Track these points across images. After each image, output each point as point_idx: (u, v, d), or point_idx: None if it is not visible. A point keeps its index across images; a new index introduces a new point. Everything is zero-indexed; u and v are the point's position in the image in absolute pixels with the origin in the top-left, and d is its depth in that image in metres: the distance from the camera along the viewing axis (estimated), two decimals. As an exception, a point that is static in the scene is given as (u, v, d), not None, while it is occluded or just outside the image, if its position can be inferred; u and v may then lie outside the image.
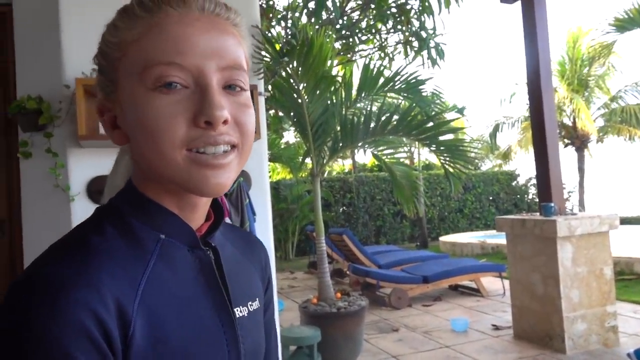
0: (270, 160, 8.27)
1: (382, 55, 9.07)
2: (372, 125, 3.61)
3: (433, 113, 3.71)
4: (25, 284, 0.44)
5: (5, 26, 2.91)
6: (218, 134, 0.50)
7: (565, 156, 13.61)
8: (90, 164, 2.69)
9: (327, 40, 3.49)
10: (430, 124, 3.50)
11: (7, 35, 2.91)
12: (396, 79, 3.78)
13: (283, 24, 7.90)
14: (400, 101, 4.19)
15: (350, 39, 8.32)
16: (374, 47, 9.03)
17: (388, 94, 3.85)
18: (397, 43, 8.84)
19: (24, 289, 0.43)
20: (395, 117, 3.57)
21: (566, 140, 13.11)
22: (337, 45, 9.19)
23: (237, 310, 0.58)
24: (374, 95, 3.83)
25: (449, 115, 12.09)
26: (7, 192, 3.11)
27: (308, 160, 15.38)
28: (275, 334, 0.73)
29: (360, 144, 3.99)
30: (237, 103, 0.52)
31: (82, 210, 2.65)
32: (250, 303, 0.61)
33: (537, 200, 13.13)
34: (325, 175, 15.42)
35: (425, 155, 13.27)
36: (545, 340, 3.84)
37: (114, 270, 0.47)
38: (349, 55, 9.14)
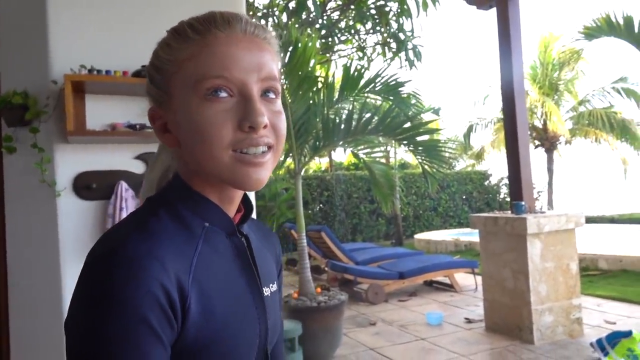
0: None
1: (361, 55, 9.21)
2: (354, 125, 3.72)
3: (411, 114, 3.84)
4: (108, 258, 0.52)
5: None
6: (259, 137, 0.59)
7: (535, 157, 14.07)
8: (77, 159, 2.72)
9: (310, 41, 3.58)
10: (409, 124, 3.64)
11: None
12: (377, 81, 3.90)
13: (263, 21, 7.91)
14: (380, 102, 4.31)
15: (330, 39, 8.42)
16: (353, 48, 9.16)
17: (369, 95, 3.96)
18: (376, 44, 9.00)
19: (107, 262, 0.52)
20: (376, 117, 3.69)
21: (536, 142, 13.55)
22: (317, 44, 9.29)
23: (265, 289, 0.68)
24: (355, 96, 3.95)
25: (425, 116, 12.35)
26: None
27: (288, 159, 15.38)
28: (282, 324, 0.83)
29: (340, 143, 4.09)
30: (273, 110, 0.62)
31: (68, 205, 2.67)
32: (271, 285, 0.71)
33: (508, 199, 13.53)
34: (302, 173, 15.52)
35: (401, 154, 13.51)
36: (515, 331, 4.04)
37: (173, 249, 0.56)
38: (327, 55, 9.25)
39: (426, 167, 3.66)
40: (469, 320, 4.64)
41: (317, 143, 4.00)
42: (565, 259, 4.08)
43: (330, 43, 8.57)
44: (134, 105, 2.78)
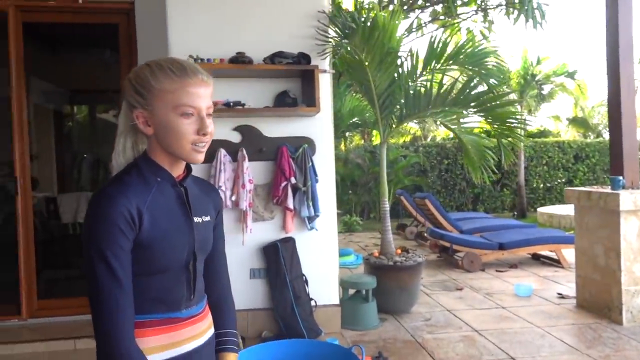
0: (362, 125, 8.66)
1: (484, 15, 8.81)
2: (433, 97, 3.87)
3: (493, 84, 3.81)
4: (100, 194, 1.02)
5: (130, 22, 3.72)
6: (205, 138, 1.06)
7: None
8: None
9: (393, 18, 3.77)
10: (486, 96, 3.65)
11: (131, 28, 3.72)
12: (461, 52, 3.95)
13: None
14: (464, 74, 4.32)
15: (447, 3, 8.19)
16: (477, 9, 8.78)
17: (450, 67, 4.03)
18: (498, 5, 8.53)
19: (99, 197, 1.02)
20: (454, 90, 3.78)
21: None
22: (439, 8, 9.12)
23: (196, 218, 1.14)
24: (439, 68, 4.05)
25: (559, 79, 11.27)
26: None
27: (412, 125, 15.21)
28: (223, 241, 1.28)
29: (425, 114, 4.26)
30: (210, 122, 1.08)
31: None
32: (203, 217, 1.16)
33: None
34: (429, 140, 15.39)
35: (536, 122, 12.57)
36: (604, 310, 3.89)
37: (136, 191, 1.04)
38: (449, 19, 9.01)
39: (502, 139, 3.66)
40: (561, 296, 4.54)
41: (402, 114, 4.22)
42: (671, 240, 3.75)
43: (449, 6, 8.32)
44: (229, 86, 3.38)
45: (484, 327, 3.77)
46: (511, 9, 8.00)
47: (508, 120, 3.60)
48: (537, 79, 9.75)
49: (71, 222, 5.18)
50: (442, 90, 3.76)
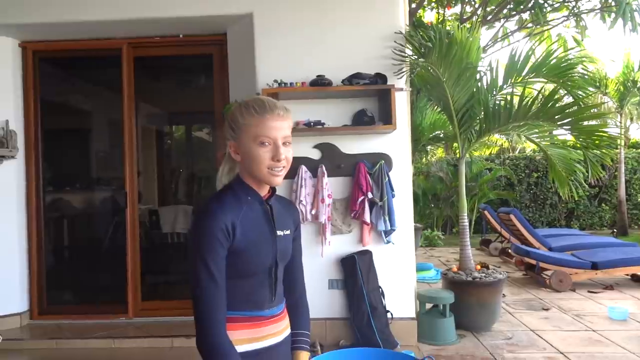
0: (444, 139, 8.54)
1: (577, 20, 8.39)
2: (514, 111, 3.81)
3: (579, 96, 3.66)
4: (203, 210, 1.24)
5: (222, 51, 4.12)
6: (281, 164, 1.26)
7: None
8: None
9: (471, 35, 3.80)
10: (573, 109, 3.52)
11: (224, 57, 4.11)
12: (544, 64, 3.85)
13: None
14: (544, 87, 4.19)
15: (535, 10, 7.89)
16: (569, 14, 8.38)
17: (532, 79, 3.94)
18: (592, 9, 8.09)
19: (202, 212, 1.24)
20: (537, 102, 3.70)
21: None
22: (525, 16, 8.84)
23: (279, 232, 1.34)
24: (519, 81, 3.98)
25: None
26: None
27: (498, 136, 14.67)
28: (300, 252, 1.47)
29: (506, 129, 4.19)
30: (287, 150, 1.28)
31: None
32: (284, 230, 1.36)
33: None
34: (517, 152, 14.70)
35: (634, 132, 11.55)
36: None
37: (230, 208, 1.25)
38: (537, 27, 8.68)
39: (588, 152, 3.50)
40: (663, 321, 4.18)
41: (481, 129, 4.19)
42: None
43: (537, 14, 8.01)
44: (310, 107, 3.61)
45: (570, 350, 3.59)
46: (607, 13, 7.55)
47: (596, 133, 3.44)
48: (639, 85, 9.01)
49: (170, 232, 5.71)
50: (523, 104, 3.70)
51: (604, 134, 3.41)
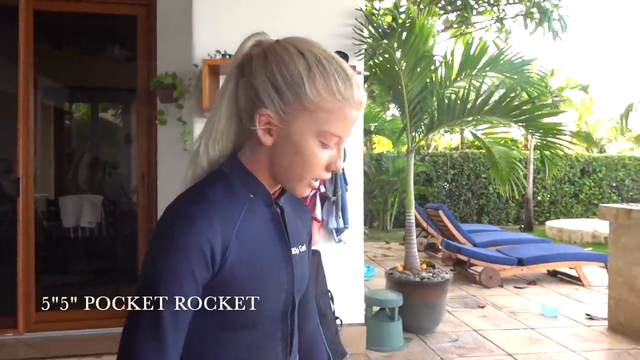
0: (373, 132, 8.45)
1: (499, 27, 8.66)
2: (469, 105, 3.65)
3: (534, 95, 3.62)
4: (171, 218, 0.75)
5: (150, 13, 3.48)
6: (330, 174, 0.81)
7: None
8: (211, 132, 3.18)
9: (430, 20, 3.57)
10: (529, 106, 3.45)
11: (151, 21, 3.47)
12: (500, 59, 3.75)
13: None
14: (498, 83, 4.12)
15: (464, 12, 8.02)
16: (492, 19, 8.63)
17: (489, 74, 3.83)
18: (516, 15, 8.38)
19: (173, 219, 0.75)
20: (494, 98, 3.58)
21: None
22: (452, 17, 8.93)
23: (294, 249, 0.87)
24: (475, 75, 3.85)
25: (572, 93, 11.18)
26: (147, 152, 3.76)
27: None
28: (310, 269, 0.98)
29: (458, 122, 4.05)
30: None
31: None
32: (300, 246, 0.89)
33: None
34: (431, 150, 15.23)
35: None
36: (641, 336, 3.69)
37: (222, 212, 0.76)
38: (463, 28, 8.84)
39: (544, 150, 3.46)
40: (590, 317, 4.33)
41: (432, 122, 4.01)
42: None
43: (466, 15, 8.15)
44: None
45: (517, 351, 3.53)
46: (529, 20, 7.85)
47: (552, 131, 3.39)
48: (551, 90, 9.63)
49: (73, 226, 4.89)
50: (479, 98, 3.55)
51: (561, 132, 3.37)
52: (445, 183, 11.20)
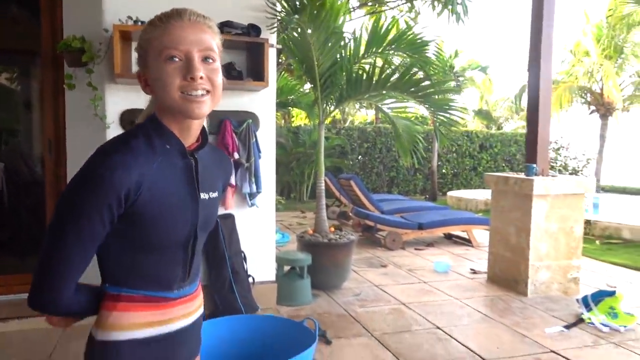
0: (290, 105, 8.64)
1: (410, 7, 9.13)
2: (374, 80, 3.97)
3: (431, 73, 4.02)
4: (99, 157, 0.91)
5: (55, -28, 3.34)
6: (197, 84, 0.96)
7: (591, 122, 13.52)
8: (124, 97, 3.19)
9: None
10: (425, 83, 3.84)
11: (56, -20, 3.34)
12: (402, 38, 4.08)
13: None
14: (403, 60, 4.49)
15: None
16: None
17: (394, 52, 4.16)
18: (425, -3, 8.87)
19: (97, 159, 0.91)
20: (396, 75, 3.92)
21: (592, 107, 13.00)
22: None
23: (202, 194, 1.06)
24: (380, 52, 4.16)
25: (473, 73, 12.11)
26: (54, 117, 3.67)
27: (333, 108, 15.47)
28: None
29: (365, 97, 4.36)
30: (209, 69, 0.98)
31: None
32: (211, 193, 1.09)
33: (552, 164, 13.24)
34: (347, 124, 15.75)
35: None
36: (512, 284, 4.33)
37: (140, 159, 0.94)
38: (376, 6, 9.20)
39: (438, 124, 3.89)
40: (474, 271, 4.96)
41: (342, 96, 4.29)
42: (570, 222, 4.26)
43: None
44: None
45: (410, 300, 4.02)
46: (436, 3, 8.38)
47: (445, 107, 3.81)
48: (454, 71, 10.38)
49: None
50: (383, 75, 3.87)
51: (452, 108, 3.80)
52: (359, 156, 11.75)
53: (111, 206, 0.90)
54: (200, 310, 1.16)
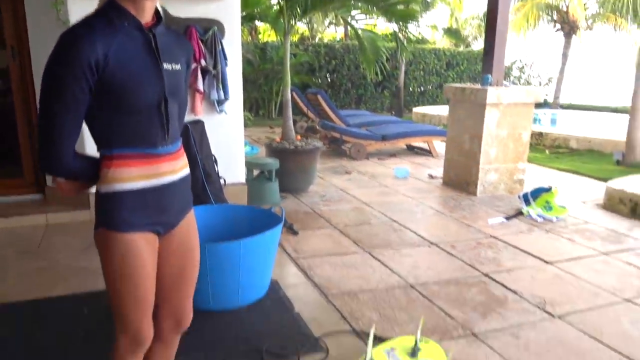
0: (256, 18, 8.43)
1: None
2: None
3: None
4: (67, 35, 1.09)
5: None
6: None
7: (556, 43, 13.74)
8: (88, 2, 3.18)
9: None
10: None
11: None
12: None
13: None
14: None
15: None
16: None
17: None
18: None
19: (66, 36, 1.08)
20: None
21: (557, 25, 13.14)
22: None
23: (165, 64, 1.24)
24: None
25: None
26: (13, 22, 3.62)
27: (300, 25, 15.05)
28: (187, 101, 1.41)
29: (330, 8, 4.41)
30: None
31: (82, 41, 3.21)
32: (173, 64, 1.27)
33: (516, 83, 13.59)
34: (316, 40, 15.45)
35: (413, 30, 13.27)
36: (464, 185, 4.75)
37: (102, 34, 1.11)
38: None
39: (400, 35, 4.03)
40: (431, 177, 5.36)
41: (307, 6, 4.32)
42: (519, 129, 4.61)
43: None
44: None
45: (371, 200, 4.39)
46: None
47: (405, 18, 3.93)
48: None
49: None
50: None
51: (413, 19, 3.93)
52: (327, 73, 11.74)
53: (85, 73, 1.09)
54: (186, 171, 1.38)
